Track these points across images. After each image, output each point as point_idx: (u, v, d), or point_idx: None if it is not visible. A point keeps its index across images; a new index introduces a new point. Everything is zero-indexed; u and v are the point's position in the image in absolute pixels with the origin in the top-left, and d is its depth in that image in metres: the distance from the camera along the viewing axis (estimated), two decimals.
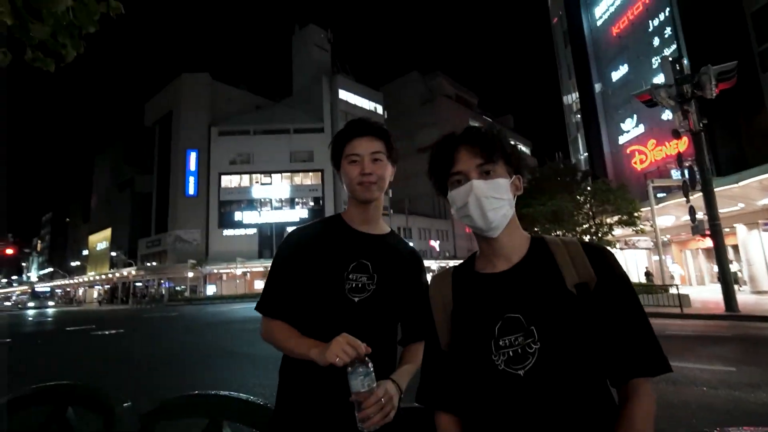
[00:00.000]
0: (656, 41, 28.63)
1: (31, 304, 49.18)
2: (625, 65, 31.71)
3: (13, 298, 75.22)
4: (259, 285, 43.39)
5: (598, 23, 35.03)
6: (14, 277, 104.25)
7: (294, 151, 50.00)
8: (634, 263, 25.65)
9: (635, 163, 29.73)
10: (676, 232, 22.49)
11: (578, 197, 19.56)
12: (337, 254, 1.23)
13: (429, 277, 1.26)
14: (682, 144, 22.06)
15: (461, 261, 1.13)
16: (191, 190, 49.12)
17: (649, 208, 16.82)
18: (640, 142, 29.59)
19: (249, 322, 15.32)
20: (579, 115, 37.69)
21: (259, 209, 48.47)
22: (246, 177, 49.60)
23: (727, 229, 16.83)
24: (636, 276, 23.77)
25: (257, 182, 49.53)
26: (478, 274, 1.03)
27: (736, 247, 19.91)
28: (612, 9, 33.37)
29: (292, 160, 49.97)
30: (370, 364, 1.02)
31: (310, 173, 49.89)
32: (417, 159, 48.32)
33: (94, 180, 75.86)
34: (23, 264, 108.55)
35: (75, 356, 9.40)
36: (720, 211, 12.71)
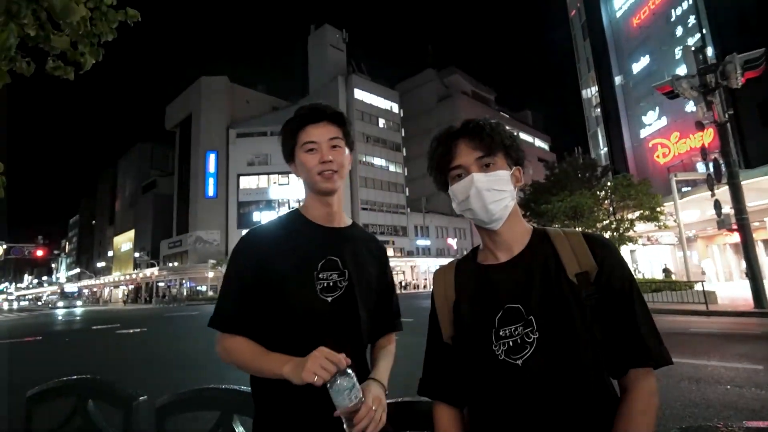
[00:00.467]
0: (679, 31, 27.81)
1: (60, 303, 51.04)
2: (647, 56, 30.89)
3: (44, 297, 78.12)
4: None
5: (618, 14, 34.21)
6: (44, 278, 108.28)
7: None
8: (653, 259, 25.04)
9: (658, 156, 28.95)
10: (702, 227, 21.83)
11: (598, 193, 19.18)
12: (304, 253, 1.13)
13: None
14: (708, 136, 21.37)
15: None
16: (211, 192, 50.12)
17: (672, 202, 16.37)
18: (663, 135, 28.80)
19: None
20: (599, 109, 36.92)
21: (277, 209, 49.08)
22: (264, 178, 50.28)
23: (756, 223, 16.26)
24: (650, 273, 23.23)
25: (275, 183, 50.15)
26: (480, 265, 1.03)
27: (767, 242, 19.23)
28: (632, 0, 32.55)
29: None
30: (353, 375, 0.94)
31: None
32: None
33: (118, 183, 78.14)
34: (53, 265, 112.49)
35: (100, 353, 9.74)
36: (749, 204, 12.28)
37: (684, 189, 18.77)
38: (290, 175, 51.03)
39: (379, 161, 52.82)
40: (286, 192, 49.97)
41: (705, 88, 12.36)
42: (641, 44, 31.48)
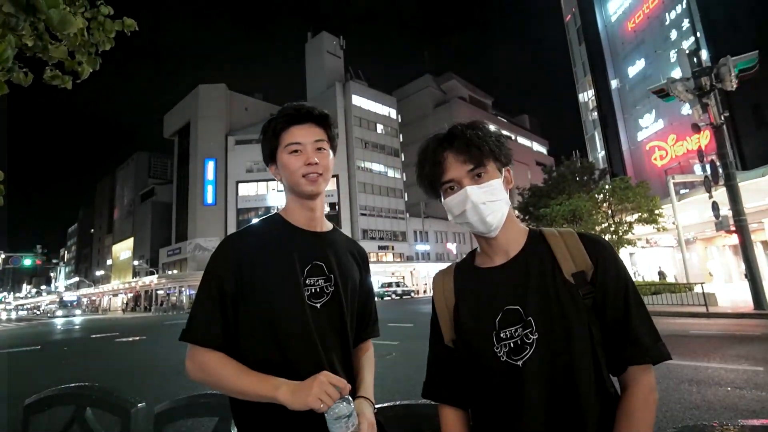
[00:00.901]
0: (674, 34, 28.02)
1: (59, 312, 50.77)
2: (642, 60, 31.10)
3: (43, 307, 77.77)
4: None
5: (613, 19, 34.47)
6: (43, 287, 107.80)
7: None
8: (652, 262, 25.03)
9: (655, 159, 29.05)
10: (700, 228, 21.85)
11: (596, 196, 19.23)
12: (288, 259, 1.08)
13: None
14: (704, 138, 21.48)
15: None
16: (209, 199, 50.11)
17: (670, 205, 16.40)
18: (660, 137, 28.92)
19: None
20: (595, 113, 37.08)
21: None
22: (263, 185, 50.29)
23: (754, 225, 16.28)
24: (650, 275, 23.23)
25: (274, 189, 50.15)
26: (479, 268, 1.04)
27: (766, 243, 19.24)
28: (626, 4, 32.83)
29: None
30: (352, 402, 0.93)
31: None
32: None
33: (117, 192, 78.12)
34: (51, 274, 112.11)
35: (99, 362, 9.68)
36: (747, 206, 12.31)
37: (682, 191, 18.81)
38: None
39: (377, 167, 52.90)
40: (285, 199, 49.90)
41: (700, 90, 12.43)
42: (636, 48, 31.70)
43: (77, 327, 25.68)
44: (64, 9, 1.95)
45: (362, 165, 51.04)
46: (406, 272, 50.03)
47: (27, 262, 30.14)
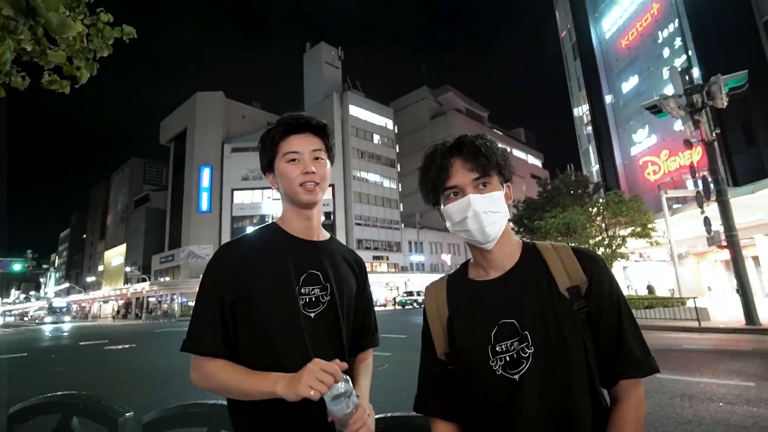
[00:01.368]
0: (666, 52, 28.55)
1: (47, 319, 49.89)
2: (636, 76, 31.61)
3: (31, 313, 76.50)
4: None
5: (607, 35, 35.07)
6: (32, 293, 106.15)
7: None
8: (645, 276, 25.15)
9: (648, 174, 29.36)
10: (693, 243, 22.05)
11: (590, 209, 19.37)
12: (284, 267, 1.09)
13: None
14: (696, 154, 21.80)
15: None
16: (204, 206, 49.84)
17: (663, 219, 16.55)
18: (653, 152, 29.27)
19: None
20: (590, 127, 37.49)
21: None
22: (258, 192, 50.15)
23: (746, 240, 16.45)
24: (643, 289, 23.33)
25: (269, 198, 50.03)
26: (472, 281, 1.04)
27: (757, 259, 19.41)
28: (620, 21, 33.43)
29: None
30: (350, 380, 0.94)
31: None
32: None
33: (111, 197, 77.56)
34: (41, 280, 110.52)
35: (87, 370, 9.51)
36: (738, 221, 12.45)
37: (674, 206, 19.00)
38: None
39: (373, 177, 53.00)
40: (280, 207, 49.75)
41: (692, 107, 12.64)
42: (630, 64, 32.22)
43: (66, 334, 25.26)
44: (64, 13, 1.96)
45: (358, 175, 51.13)
46: (401, 283, 49.86)
47: (17, 267, 29.74)
